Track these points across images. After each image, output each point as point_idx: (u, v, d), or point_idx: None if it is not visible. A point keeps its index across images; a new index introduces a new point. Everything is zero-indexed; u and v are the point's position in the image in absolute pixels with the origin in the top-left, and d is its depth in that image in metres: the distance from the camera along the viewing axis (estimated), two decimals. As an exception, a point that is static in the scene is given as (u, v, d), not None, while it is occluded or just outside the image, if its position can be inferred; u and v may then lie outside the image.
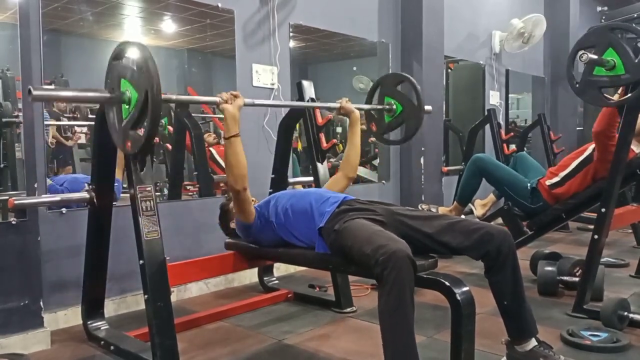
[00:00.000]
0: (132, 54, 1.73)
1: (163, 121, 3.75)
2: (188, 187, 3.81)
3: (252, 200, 2.55)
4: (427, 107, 2.92)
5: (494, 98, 5.87)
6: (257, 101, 2.45)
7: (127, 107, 1.71)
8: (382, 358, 1.66)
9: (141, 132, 1.69)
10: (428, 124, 4.68)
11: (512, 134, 5.47)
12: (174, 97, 2.24)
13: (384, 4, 4.61)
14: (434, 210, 3.27)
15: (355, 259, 1.83)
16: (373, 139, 3.19)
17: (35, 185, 2.38)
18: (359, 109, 2.69)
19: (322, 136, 3.00)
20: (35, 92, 1.69)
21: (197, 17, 3.56)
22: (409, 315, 1.63)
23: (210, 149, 3.92)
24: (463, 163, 5.00)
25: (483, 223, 1.99)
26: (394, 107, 2.84)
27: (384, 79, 3.04)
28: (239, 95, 2.13)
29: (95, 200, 2.37)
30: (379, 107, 2.87)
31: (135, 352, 2.21)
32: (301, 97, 3.01)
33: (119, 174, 2.62)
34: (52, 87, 1.75)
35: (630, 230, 4.68)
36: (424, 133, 4.59)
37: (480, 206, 3.61)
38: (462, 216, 3.27)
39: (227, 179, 2.15)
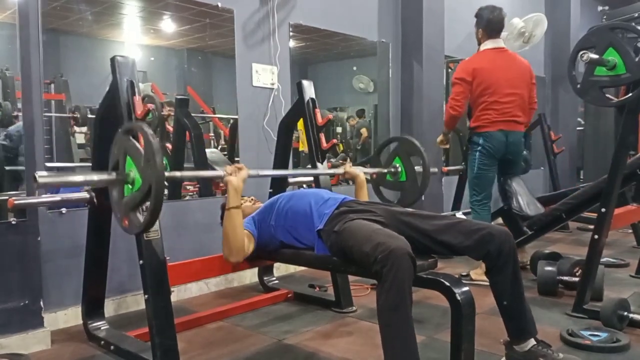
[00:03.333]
0: (142, 136, 1.68)
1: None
2: (188, 187, 3.81)
3: (252, 200, 2.55)
4: (433, 170, 2.91)
5: (494, 98, 5.83)
6: (261, 172, 2.48)
7: (129, 186, 1.72)
8: (382, 358, 1.66)
9: (141, 217, 1.69)
10: (428, 123, 4.70)
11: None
12: (178, 174, 2.25)
13: (384, 4, 4.60)
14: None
15: (356, 258, 1.82)
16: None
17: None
18: (364, 171, 2.73)
19: (322, 136, 3.00)
20: (40, 180, 1.67)
21: (196, 16, 3.56)
22: (408, 312, 1.62)
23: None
24: (463, 163, 5.00)
25: (484, 223, 1.98)
26: (399, 172, 2.85)
27: (403, 141, 3.02)
28: (243, 167, 2.16)
29: (95, 200, 2.37)
30: (384, 171, 2.87)
31: (135, 352, 2.21)
32: (301, 97, 3.01)
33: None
34: (57, 174, 1.75)
35: (630, 230, 4.68)
36: (424, 133, 4.60)
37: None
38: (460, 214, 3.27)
39: (222, 250, 2.15)
